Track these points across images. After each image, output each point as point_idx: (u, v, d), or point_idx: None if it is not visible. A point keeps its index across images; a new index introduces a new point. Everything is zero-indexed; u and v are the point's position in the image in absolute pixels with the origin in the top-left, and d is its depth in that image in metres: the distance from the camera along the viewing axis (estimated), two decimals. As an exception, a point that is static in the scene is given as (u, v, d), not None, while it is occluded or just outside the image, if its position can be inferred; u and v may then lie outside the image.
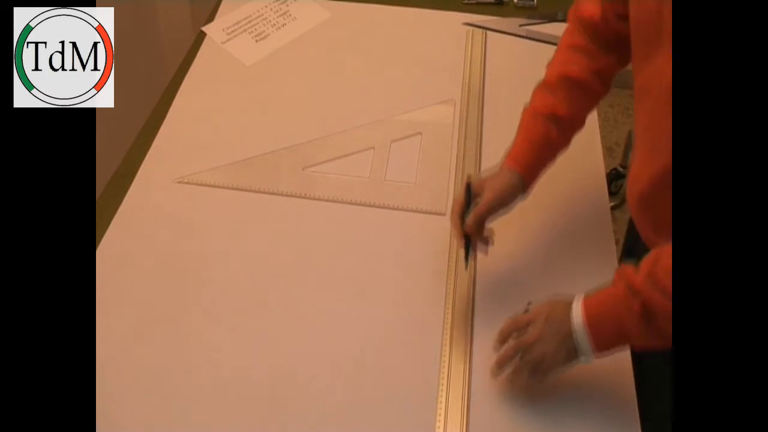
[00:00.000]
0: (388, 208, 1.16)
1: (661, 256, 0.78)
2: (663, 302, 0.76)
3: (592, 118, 1.29)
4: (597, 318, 0.82)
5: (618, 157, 2.35)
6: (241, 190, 1.18)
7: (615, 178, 2.25)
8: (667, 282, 0.75)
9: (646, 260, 0.79)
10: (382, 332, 0.99)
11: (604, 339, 0.83)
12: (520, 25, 1.50)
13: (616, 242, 1.13)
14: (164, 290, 1.04)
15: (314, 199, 1.17)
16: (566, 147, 1.02)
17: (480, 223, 0.96)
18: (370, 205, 1.16)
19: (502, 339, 0.90)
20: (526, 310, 0.90)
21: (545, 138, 0.99)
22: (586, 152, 1.22)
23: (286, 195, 1.17)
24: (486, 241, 0.99)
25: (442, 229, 1.11)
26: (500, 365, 0.90)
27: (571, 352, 0.85)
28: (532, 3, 1.57)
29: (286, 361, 0.96)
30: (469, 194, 0.98)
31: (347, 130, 1.28)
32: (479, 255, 1.00)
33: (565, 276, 1.04)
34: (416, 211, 1.15)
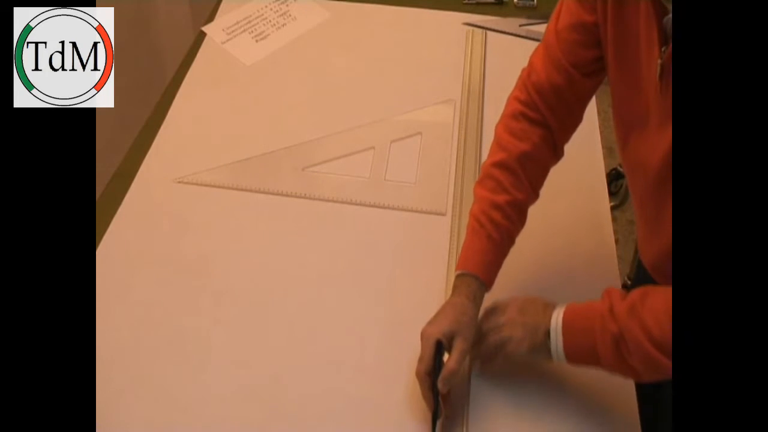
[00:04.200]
0: (388, 208, 1.16)
1: (648, 294, 0.77)
2: (638, 338, 0.75)
3: (592, 118, 1.29)
4: (573, 324, 0.83)
5: (618, 157, 2.35)
6: (241, 190, 1.18)
7: (615, 178, 2.25)
8: (649, 321, 0.74)
9: (634, 293, 0.79)
10: (382, 332, 0.99)
11: (576, 348, 0.83)
12: (520, 25, 1.50)
13: (616, 242, 1.13)
14: (164, 290, 1.04)
15: (314, 199, 1.17)
16: (523, 226, 0.96)
17: (454, 380, 0.87)
18: (370, 205, 1.16)
19: None
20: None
21: (507, 232, 0.92)
22: (586, 152, 1.22)
23: (286, 195, 1.17)
24: (450, 398, 0.89)
25: (442, 229, 1.11)
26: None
27: (536, 346, 0.85)
28: (532, 3, 1.57)
29: (285, 360, 0.96)
30: (439, 351, 0.87)
31: (347, 130, 1.28)
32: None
33: (565, 276, 1.04)
34: (416, 211, 1.15)
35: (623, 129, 0.86)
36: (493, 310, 0.91)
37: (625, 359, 0.77)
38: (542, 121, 0.93)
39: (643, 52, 0.78)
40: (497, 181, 0.92)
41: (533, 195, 0.95)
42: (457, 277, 0.92)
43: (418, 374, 0.87)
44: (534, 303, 0.88)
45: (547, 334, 0.84)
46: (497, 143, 0.95)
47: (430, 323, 0.89)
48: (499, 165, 0.93)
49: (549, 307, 0.86)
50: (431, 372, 0.86)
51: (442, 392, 0.86)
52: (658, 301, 0.75)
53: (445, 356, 0.88)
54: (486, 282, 0.92)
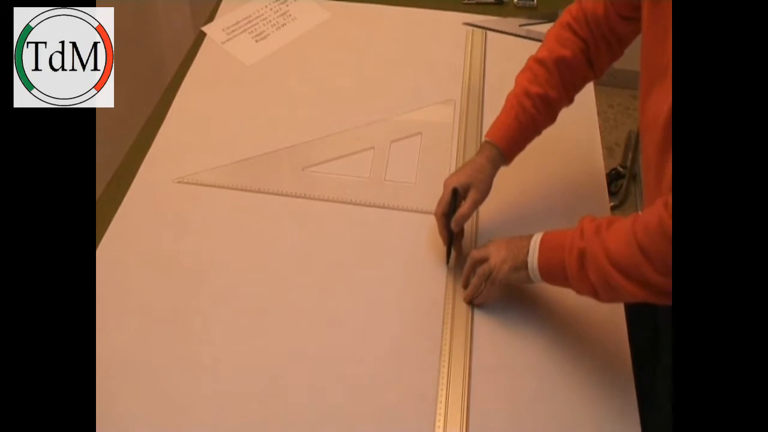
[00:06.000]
0: (388, 208, 1.16)
1: (614, 222, 0.84)
2: (597, 254, 0.82)
3: (592, 118, 1.29)
4: (549, 242, 0.90)
5: (618, 157, 2.35)
6: (241, 190, 1.18)
7: (615, 178, 2.25)
8: (609, 242, 0.81)
9: (603, 219, 0.86)
10: (382, 332, 0.99)
11: (548, 263, 0.90)
12: (520, 25, 1.50)
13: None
14: (164, 290, 1.04)
15: (314, 199, 1.17)
16: (552, 123, 1.07)
17: (465, 222, 1.03)
18: (370, 205, 1.16)
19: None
20: None
21: (533, 119, 1.04)
22: (586, 152, 1.22)
23: (286, 195, 1.17)
24: (462, 237, 1.07)
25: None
26: (464, 283, 1.01)
27: (517, 263, 0.93)
28: (532, 3, 1.57)
29: (285, 360, 0.96)
30: (455, 197, 1.02)
31: (347, 130, 1.28)
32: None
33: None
34: (416, 211, 1.15)
35: (647, 81, 0.90)
36: (483, 248, 0.99)
37: (586, 275, 0.84)
38: (584, 37, 1.03)
39: None
40: (534, 74, 1.04)
41: (566, 97, 1.06)
42: (483, 143, 1.06)
43: (435, 215, 1.04)
44: (519, 236, 0.96)
45: (527, 253, 0.92)
46: (544, 43, 1.06)
47: (451, 175, 1.05)
48: (539, 61, 1.04)
49: (531, 236, 0.93)
50: (447, 214, 1.03)
51: (454, 231, 1.03)
52: (622, 229, 0.81)
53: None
54: (505, 153, 1.04)
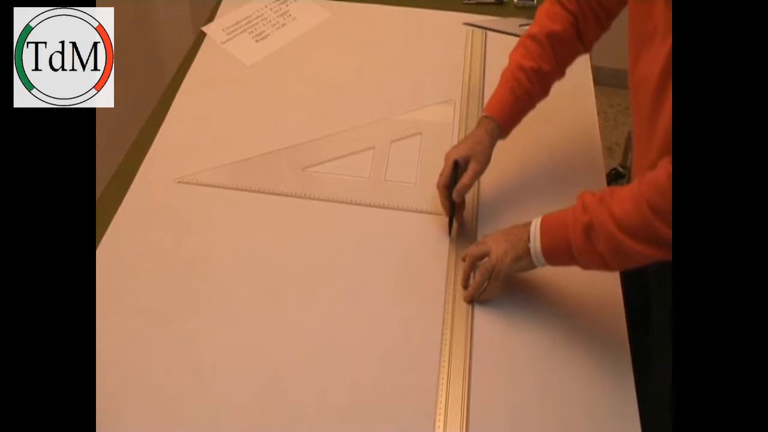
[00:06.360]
0: (388, 208, 1.16)
1: (616, 190, 0.86)
2: (605, 222, 0.84)
3: (592, 118, 1.29)
4: (550, 223, 0.92)
5: (618, 157, 2.35)
6: (241, 190, 1.18)
7: (615, 178, 2.25)
8: (615, 208, 0.83)
9: (605, 189, 0.88)
10: (382, 332, 0.99)
11: (552, 243, 0.91)
12: (520, 25, 1.50)
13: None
14: (164, 290, 1.04)
15: (314, 199, 1.17)
16: (546, 96, 1.11)
17: (466, 192, 1.07)
18: (370, 205, 1.16)
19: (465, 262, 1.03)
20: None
21: (527, 92, 1.08)
22: (586, 152, 1.22)
23: (286, 195, 1.17)
24: (464, 208, 1.11)
25: (442, 229, 1.11)
26: (464, 283, 1.02)
27: (519, 253, 0.94)
28: (532, 3, 1.57)
29: (285, 360, 0.96)
30: (456, 169, 1.07)
31: (347, 130, 1.28)
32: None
33: (565, 277, 1.04)
34: (416, 211, 1.15)
35: (635, 46, 0.94)
36: (481, 244, 1.00)
37: (594, 246, 0.86)
38: (573, 11, 1.07)
39: None
40: (528, 50, 1.09)
41: (558, 71, 1.10)
42: (481, 118, 1.11)
43: (438, 186, 1.08)
44: (516, 227, 0.97)
45: (528, 240, 0.93)
46: (536, 20, 1.11)
47: (452, 148, 1.10)
48: (531, 37, 1.09)
49: (529, 223, 0.95)
50: (448, 185, 1.07)
51: (456, 202, 1.07)
52: (626, 194, 0.84)
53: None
54: (502, 126, 1.09)
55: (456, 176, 1.06)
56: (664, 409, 0.83)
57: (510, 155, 1.18)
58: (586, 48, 1.11)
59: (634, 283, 1.05)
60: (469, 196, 1.10)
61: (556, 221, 0.91)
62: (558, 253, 0.91)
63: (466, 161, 1.06)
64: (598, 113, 1.30)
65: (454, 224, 1.10)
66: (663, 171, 0.80)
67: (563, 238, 0.89)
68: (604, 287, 1.03)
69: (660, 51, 0.85)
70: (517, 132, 1.12)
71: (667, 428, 0.61)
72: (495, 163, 1.09)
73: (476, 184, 1.13)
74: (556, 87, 1.12)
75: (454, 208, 1.08)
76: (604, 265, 0.87)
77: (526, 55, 1.08)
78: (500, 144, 1.10)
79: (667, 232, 0.79)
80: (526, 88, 1.08)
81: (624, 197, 0.84)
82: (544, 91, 1.11)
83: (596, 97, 1.34)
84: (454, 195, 1.06)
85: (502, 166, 1.16)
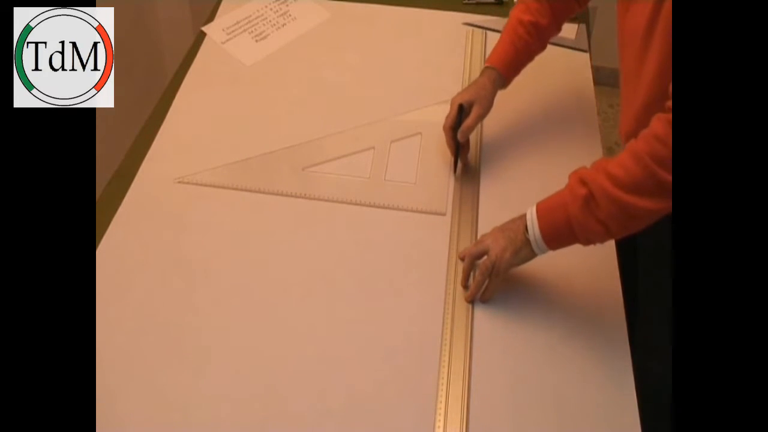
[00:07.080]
0: (388, 208, 1.16)
1: (610, 159, 0.88)
2: (605, 186, 0.85)
3: (592, 118, 1.29)
4: (546, 206, 0.93)
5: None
6: (241, 190, 1.18)
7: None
8: (613, 169, 0.85)
9: (596, 162, 0.90)
10: (382, 332, 0.99)
11: (551, 225, 0.92)
12: (520, 25, 1.50)
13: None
14: (164, 290, 1.04)
15: (314, 199, 1.17)
16: (543, 50, 1.20)
17: (470, 133, 1.16)
18: (370, 205, 1.16)
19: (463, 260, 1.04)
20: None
21: (526, 44, 1.17)
22: (586, 152, 1.22)
23: (286, 195, 1.17)
24: (468, 150, 1.20)
25: (442, 229, 1.11)
26: (464, 283, 1.02)
27: (518, 246, 0.95)
28: (532, 3, 1.57)
29: (285, 360, 0.96)
30: (461, 112, 1.15)
31: (347, 130, 1.28)
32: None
33: (566, 276, 1.04)
34: (416, 211, 1.15)
35: (623, 2, 1.00)
36: (478, 243, 1.01)
37: (596, 216, 0.87)
38: None
39: None
40: (527, 6, 1.17)
41: (555, 25, 1.19)
42: (484, 68, 1.20)
43: (444, 128, 1.17)
44: (510, 221, 0.99)
45: (525, 230, 0.94)
46: None
47: (457, 94, 1.18)
48: None
49: (523, 215, 0.96)
50: (454, 127, 1.15)
51: (461, 142, 1.16)
52: (623, 155, 0.86)
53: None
54: (504, 75, 1.18)
55: (461, 119, 1.15)
56: (664, 409, 0.84)
57: (510, 154, 1.18)
58: (581, 5, 1.20)
59: (633, 283, 1.05)
60: (473, 137, 1.18)
61: (552, 203, 0.93)
62: (558, 234, 0.92)
63: (470, 105, 1.15)
64: (598, 113, 1.30)
65: (459, 164, 1.18)
66: (659, 122, 0.82)
67: (562, 218, 0.90)
68: (604, 287, 1.03)
69: (646, 3, 0.92)
70: (517, 130, 1.12)
71: (667, 428, 0.61)
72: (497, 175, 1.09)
73: (479, 127, 1.21)
74: (557, 86, 1.13)
75: (458, 148, 1.17)
76: (607, 233, 0.88)
77: (525, 10, 1.17)
78: (500, 144, 1.11)
79: (668, 178, 0.80)
80: (525, 41, 1.16)
81: (622, 158, 0.85)
82: (542, 45, 1.19)
83: (596, 97, 1.34)
84: (459, 136, 1.14)
85: (503, 172, 1.16)
